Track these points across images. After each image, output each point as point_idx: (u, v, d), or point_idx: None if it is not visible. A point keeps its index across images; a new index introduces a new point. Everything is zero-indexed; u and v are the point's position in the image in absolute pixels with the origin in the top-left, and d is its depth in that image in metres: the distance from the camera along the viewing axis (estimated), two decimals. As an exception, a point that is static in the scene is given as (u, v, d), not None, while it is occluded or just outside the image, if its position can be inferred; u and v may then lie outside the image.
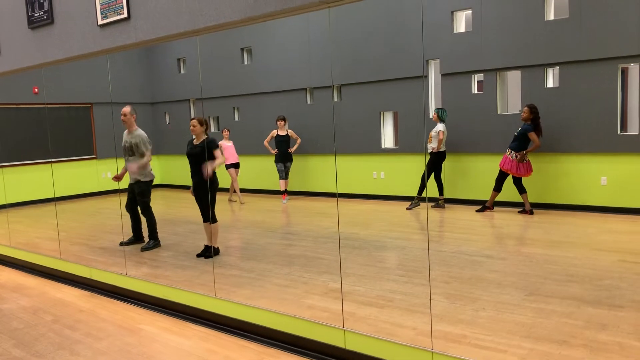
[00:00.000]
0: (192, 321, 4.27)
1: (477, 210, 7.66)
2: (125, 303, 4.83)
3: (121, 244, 6.51)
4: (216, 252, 5.89)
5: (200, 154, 5.64)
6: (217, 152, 5.72)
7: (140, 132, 6.34)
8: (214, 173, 5.70)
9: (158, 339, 3.96)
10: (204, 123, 5.74)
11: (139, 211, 6.53)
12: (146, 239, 6.51)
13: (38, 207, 9.83)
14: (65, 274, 5.70)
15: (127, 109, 6.31)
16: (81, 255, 6.29)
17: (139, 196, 6.38)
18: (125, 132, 6.42)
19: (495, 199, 7.59)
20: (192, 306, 4.36)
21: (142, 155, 6.28)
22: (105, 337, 4.02)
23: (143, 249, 6.32)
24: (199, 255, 5.91)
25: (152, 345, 3.84)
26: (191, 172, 5.80)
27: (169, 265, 5.69)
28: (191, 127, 5.72)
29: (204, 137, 5.74)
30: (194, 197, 5.92)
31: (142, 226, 6.59)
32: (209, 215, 5.71)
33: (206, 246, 5.92)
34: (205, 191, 5.65)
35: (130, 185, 6.45)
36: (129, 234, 6.63)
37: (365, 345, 3.36)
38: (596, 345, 3.27)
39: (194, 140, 5.78)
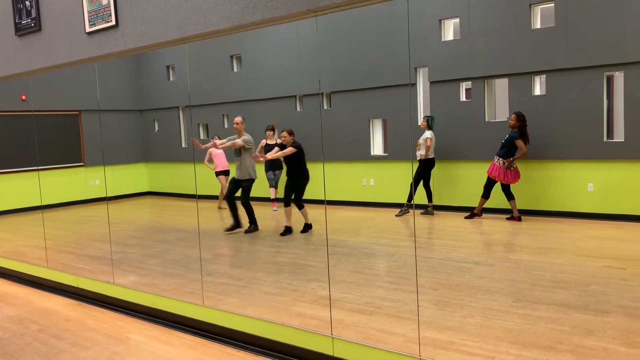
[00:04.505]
0: (180, 329, 4.24)
1: (465, 217, 7.70)
2: (113, 312, 4.79)
3: (226, 230, 7.59)
4: (310, 227, 7.36)
5: (294, 155, 7.10)
6: (290, 149, 7.11)
7: (247, 136, 7.54)
8: (306, 170, 7.25)
9: (146, 347, 3.93)
10: (292, 133, 7.21)
11: (237, 201, 7.57)
12: (245, 225, 7.52)
13: (24, 215, 9.74)
14: (52, 283, 5.65)
15: (239, 119, 7.56)
16: (68, 263, 6.24)
17: (244, 190, 7.50)
18: (235, 136, 7.61)
19: (484, 206, 7.64)
20: (180, 314, 4.33)
21: (248, 150, 7.48)
22: (92, 347, 3.98)
23: (247, 232, 7.46)
24: (282, 234, 7.19)
25: (140, 354, 3.81)
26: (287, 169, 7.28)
27: (157, 274, 5.66)
28: (282, 138, 7.17)
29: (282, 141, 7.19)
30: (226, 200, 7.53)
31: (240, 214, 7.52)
32: (291, 201, 7.19)
33: (287, 227, 7.24)
34: (297, 182, 7.15)
35: (233, 179, 7.60)
36: (117, 242, 6.60)
37: (354, 352, 3.35)
38: (583, 350, 3.29)
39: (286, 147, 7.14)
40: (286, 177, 7.32)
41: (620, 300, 4.13)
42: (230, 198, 7.58)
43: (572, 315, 3.87)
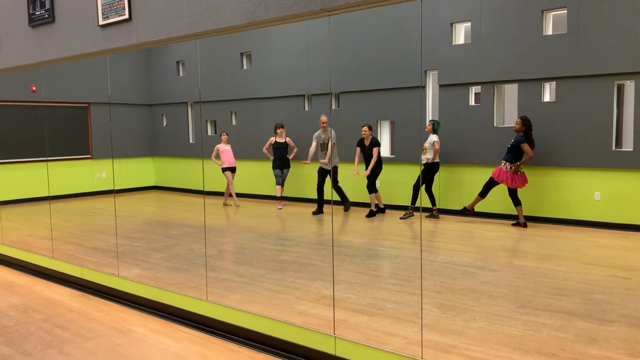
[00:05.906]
0: (183, 324, 4.26)
1: (459, 211, 7.74)
2: (117, 304, 4.82)
3: (313, 213, 8.68)
4: (383, 210, 8.52)
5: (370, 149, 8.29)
6: (376, 150, 8.33)
7: (331, 131, 8.67)
8: (379, 160, 8.33)
9: (148, 340, 3.95)
10: (371, 128, 8.39)
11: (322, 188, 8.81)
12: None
13: (31, 206, 9.79)
14: (57, 273, 5.68)
15: (326, 118, 8.78)
16: (73, 254, 6.27)
17: (334, 175, 8.73)
18: (320, 132, 8.82)
19: (491, 211, 7.62)
20: (184, 309, 4.35)
21: (334, 145, 8.60)
22: (95, 338, 4.01)
23: (346, 210, 8.71)
24: (367, 216, 8.22)
25: (142, 347, 3.82)
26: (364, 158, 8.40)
27: (162, 267, 5.68)
28: (363, 132, 8.26)
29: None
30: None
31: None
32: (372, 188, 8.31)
33: (371, 210, 8.29)
34: (373, 172, 8.25)
35: (321, 169, 8.76)
36: (122, 235, 6.63)
37: (356, 352, 3.36)
38: (586, 358, 3.28)
39: (365, 141, 8.33)
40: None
41: (624, 310, 4.11)
42: (320, 187, 8.74)
43: (575, 323, 3.86)
